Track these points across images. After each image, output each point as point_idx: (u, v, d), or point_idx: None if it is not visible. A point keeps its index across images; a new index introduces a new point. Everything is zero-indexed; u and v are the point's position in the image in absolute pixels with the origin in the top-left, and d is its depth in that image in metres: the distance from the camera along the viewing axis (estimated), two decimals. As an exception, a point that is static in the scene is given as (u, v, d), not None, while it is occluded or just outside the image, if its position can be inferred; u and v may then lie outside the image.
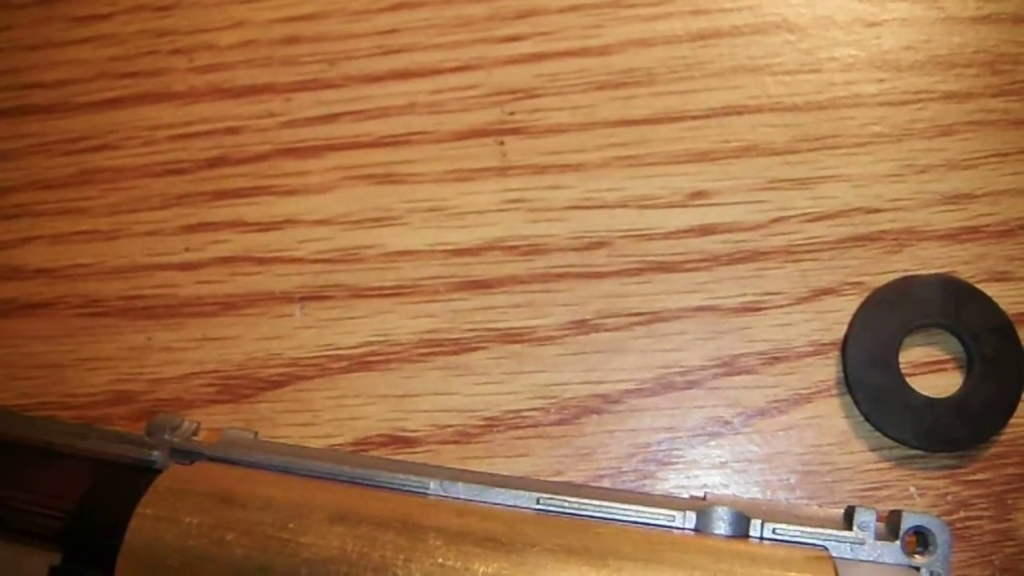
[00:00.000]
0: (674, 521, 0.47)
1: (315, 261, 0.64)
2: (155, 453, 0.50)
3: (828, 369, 0.58)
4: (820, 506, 0.55)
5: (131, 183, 0.69)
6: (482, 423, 0.60)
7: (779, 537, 0.46)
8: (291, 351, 0.62)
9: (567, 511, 0.47)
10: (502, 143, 0.64)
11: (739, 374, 0.58)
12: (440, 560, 0.42)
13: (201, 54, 0.72)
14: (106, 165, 0.70)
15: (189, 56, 0.72)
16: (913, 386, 0.56)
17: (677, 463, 0.57)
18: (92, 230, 0.67)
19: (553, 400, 0.59)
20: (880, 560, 0.46)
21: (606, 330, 0.60)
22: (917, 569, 0.46)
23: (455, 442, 0.59)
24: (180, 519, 0.44)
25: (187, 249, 0.66)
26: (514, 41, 0.67)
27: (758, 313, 0.59)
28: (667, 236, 0.61)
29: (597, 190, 0.62)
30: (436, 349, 0.61)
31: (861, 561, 0.46)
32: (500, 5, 0.68)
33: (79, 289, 0.65)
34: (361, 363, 0.61)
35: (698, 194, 0.62)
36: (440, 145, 0.65)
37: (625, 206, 0.62)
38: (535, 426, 0.59)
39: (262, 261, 0.66)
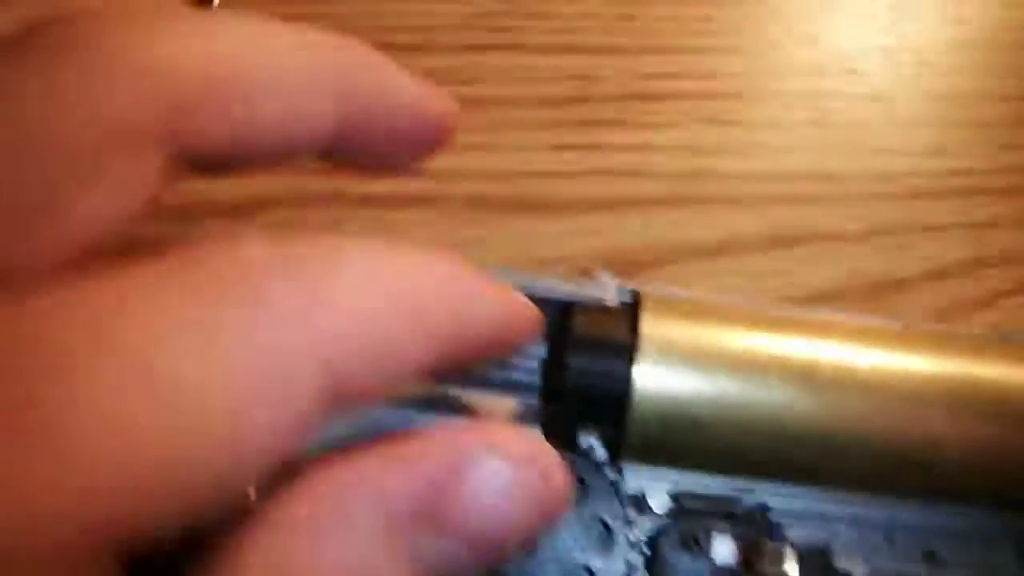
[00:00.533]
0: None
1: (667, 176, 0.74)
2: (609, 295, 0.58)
3: None
4: None
5: (497, 110, 0.79)
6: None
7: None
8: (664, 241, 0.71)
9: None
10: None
11: None
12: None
13: (552, 22, 0.84)
14: (471, 95, 0.80)
15: (541, 20, 0.83)
16: None
17: None
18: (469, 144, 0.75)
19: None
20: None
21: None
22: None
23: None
24: (685, 360, 0.52)
25: (558, 160, 0.75)
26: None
27: None
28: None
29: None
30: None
31: None
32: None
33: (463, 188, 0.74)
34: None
35: None
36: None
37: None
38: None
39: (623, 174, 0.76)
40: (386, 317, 0.24)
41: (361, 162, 0.34)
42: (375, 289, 0.24)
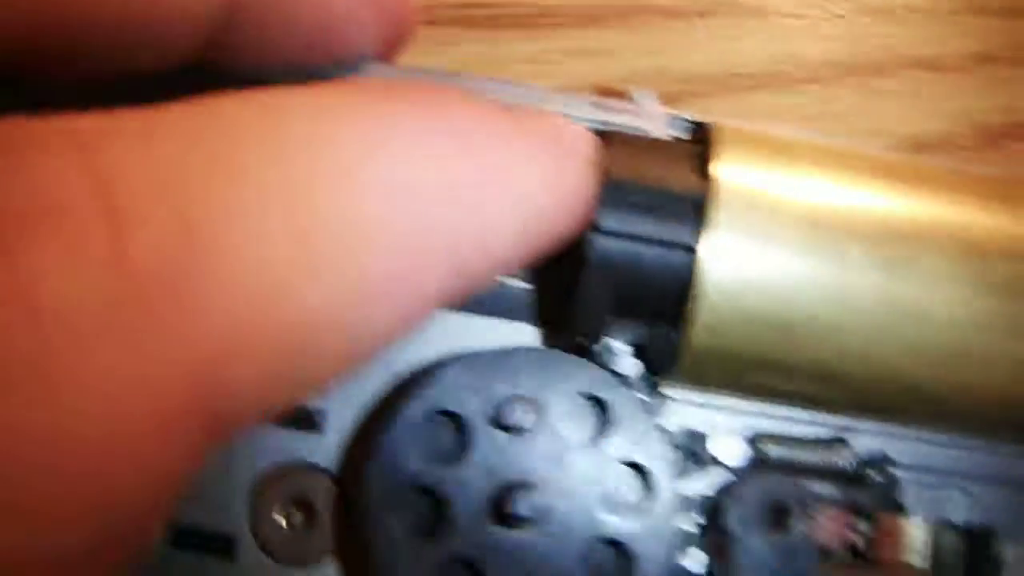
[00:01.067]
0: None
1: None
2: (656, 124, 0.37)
3: None
4: None
5: None
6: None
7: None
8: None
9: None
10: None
11: None
12: None
13: None
14: None
15: None
16: None
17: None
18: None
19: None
20: None
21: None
22: None
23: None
24: (781, 228, 0.33)
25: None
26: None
27: None
28: None
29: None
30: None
31: None
32: None
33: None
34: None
35: None
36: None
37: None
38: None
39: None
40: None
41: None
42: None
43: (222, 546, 0.39)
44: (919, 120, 0.54)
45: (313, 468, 0.39)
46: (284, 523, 0.39)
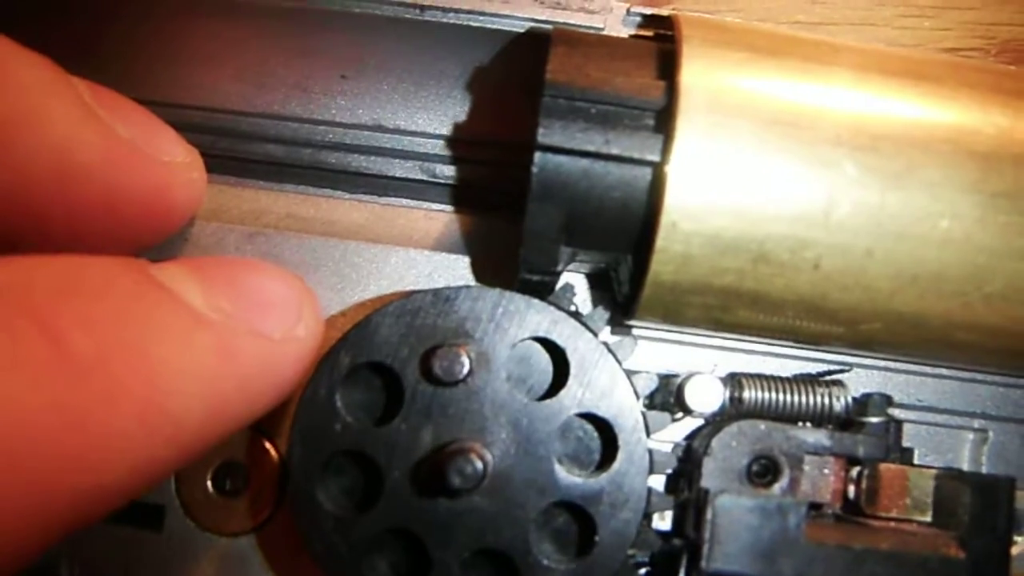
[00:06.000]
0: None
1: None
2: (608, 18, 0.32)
3: None
4: None
5: None
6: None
7: None
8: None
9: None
10: None
11: None
12: None
13: None
14: None
15: None
16: None
17: None
18: None
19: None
20: None
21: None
22: None
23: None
24: (759, 133, 0.28)
25: None
26: None
27: None
28: None
29: None
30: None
31: None
32: None
33: None
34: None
35: None
36: None
37: None
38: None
39: None
40: None
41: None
42: None
43: (151, 516, 0.35)
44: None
45: (242, 430, 0.35)
46: (211, 489, 0.35)
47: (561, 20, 0.31)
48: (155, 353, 0.26)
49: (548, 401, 0.30)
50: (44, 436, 0.24)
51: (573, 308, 0.32)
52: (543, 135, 0.28)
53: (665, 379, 0.33)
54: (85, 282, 0.26)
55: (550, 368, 0.31)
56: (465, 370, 0.29)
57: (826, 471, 0.31)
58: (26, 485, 0.24)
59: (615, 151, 0.28)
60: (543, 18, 0.31)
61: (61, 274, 0.26)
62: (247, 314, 0.28)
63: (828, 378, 0.32)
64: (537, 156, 0.28)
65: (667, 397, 0.32)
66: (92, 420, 0.24)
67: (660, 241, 0.28)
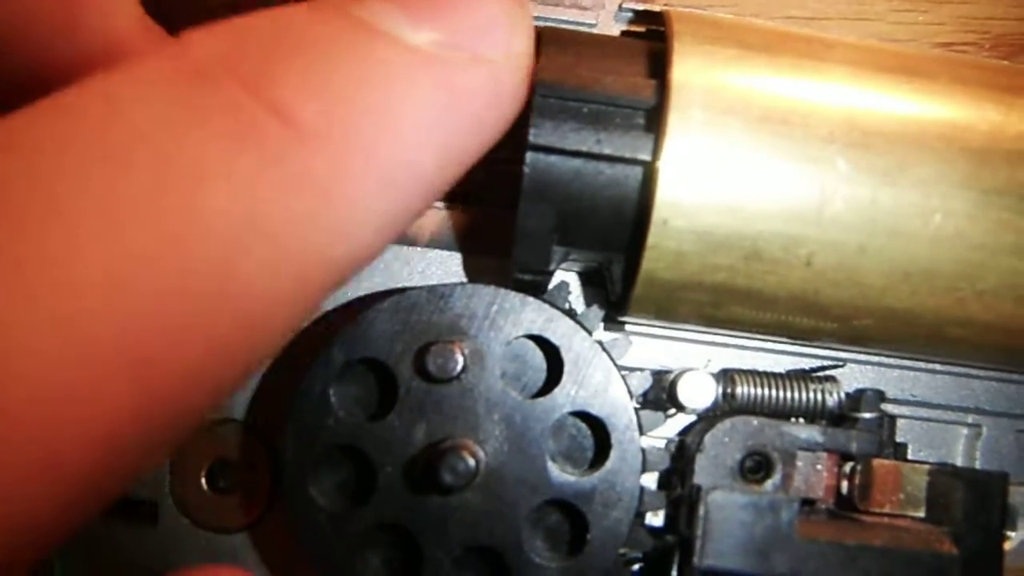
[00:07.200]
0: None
1: None
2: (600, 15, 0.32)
3: None
4: None
5: None
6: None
7: None
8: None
9: None
10: None
11: None
12: None
13: None
14: None
15: None
16: None
17: None
18: None
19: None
20: None
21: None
22: None
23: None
24: (749, 132, 0.27)
25: None
26: None
27: None
28: None
29: None
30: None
31: None
32: None
33: None
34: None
35: None
36: None
37: None
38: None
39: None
40: None
41: None
42: None
43: (144, 512, 0.35)
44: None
45: (236, 424, 0.35)
46: (205, 486, 0.35)
47: (553, 16, 0.31)
48: (384, 105, 0.23)
49: (542, 399, 0.30)
50: (291, 212, 0.22)
51: (567, 306, 0.32)
52: (534, 135, 0.28)
53: (658, 375, 0.33)
54: (293, 39, 0.24)
55: (544, 366, 0.31)
56: (459, 367, 0.29)
57: (819, 467, 0.31)
58: (283, 264, 0.22)
59: (607, 151, 0.28)
60: (535, 14, 0.31)
61: (268, 35, 0.23)
62: (464, 40, 0.25)
63: (821, 374, 0.32)
64: (529, 156, 0.28)
65: (660, 393, 0.32)
66: (335, 189, 0.23)
67: (651, 239, 0.28)
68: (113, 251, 0.20)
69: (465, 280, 0.35)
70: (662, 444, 0.33)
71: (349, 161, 0.23)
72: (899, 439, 0.33)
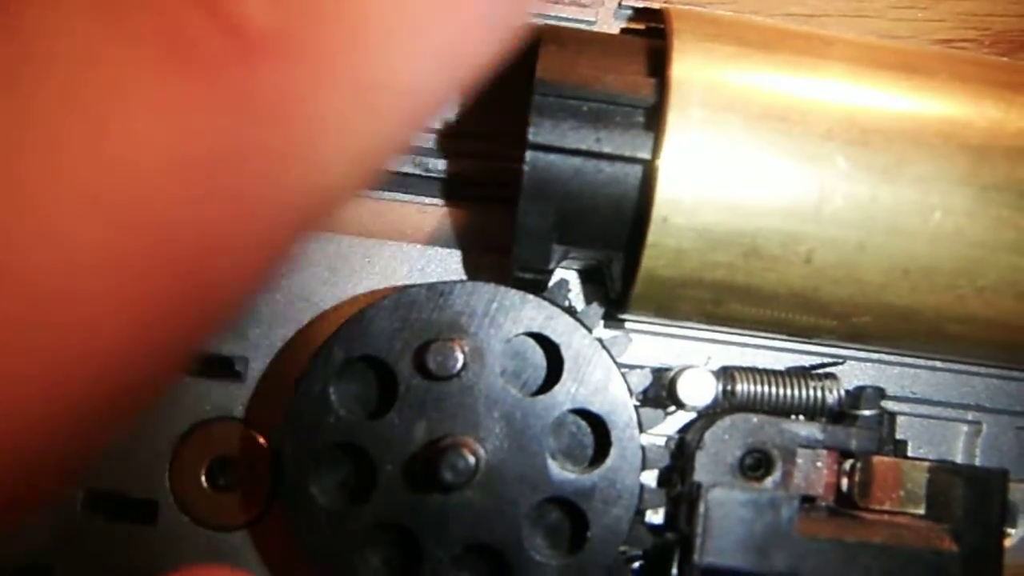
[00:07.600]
0: None
1: None
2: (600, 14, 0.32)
3: None
4: None
5: None
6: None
7: None
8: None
9: None
10: None
11: None
12: None
13: None
14: None
15: None
16: None
17: None
18: None
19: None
20: None
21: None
22: None
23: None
24: (749, 129, 0.27)
25: None
26: None
27: None
28: None
29: None
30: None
31: None
32: None
33: None
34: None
35: None
36: None
37: None
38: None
39: None
40: None
41: None
42: None
43: (144, 511, 0.35)
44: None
45: (235, 423, 0.35)
46: (205, 483, 0.35)
47: (553, 13, 0.31)
48: (346, 10, 0.19)
49: (542, 397, 0.30)
50: (239, 144, 0.19)
51: (567, 304, 0.32)
52: (534, 134, 0.28)
53: (658, 373, 0.33)
54: None
55: (544, 363, 0.31)
56: (459, 365, 0.29)
57: (819, 464, 0.31)
58: (227, 209, 0.19)
59: (607, 149, 0.28)
60: (536, 11, 0.31)
61: None
62: None
63: (821, 371, 0.32)
64: (529, 154, 0.28)
65: (660, 391, 0.32)
66: (293, 113, 0.19)
67: (651, 236, 0.28)
68: None
69: (465, 278, 0.34)
70: (662, 441, 0.32)
71: (310, 76, 0.19)
72: (899, 436, 0.33)
